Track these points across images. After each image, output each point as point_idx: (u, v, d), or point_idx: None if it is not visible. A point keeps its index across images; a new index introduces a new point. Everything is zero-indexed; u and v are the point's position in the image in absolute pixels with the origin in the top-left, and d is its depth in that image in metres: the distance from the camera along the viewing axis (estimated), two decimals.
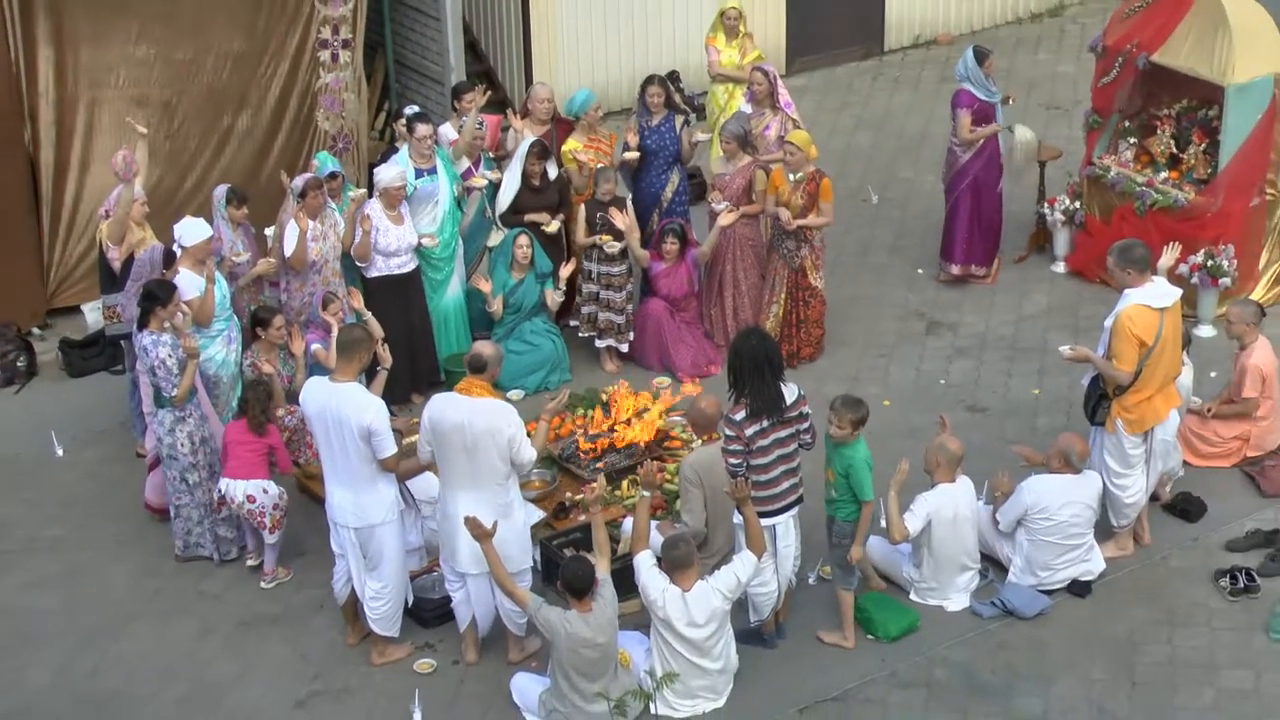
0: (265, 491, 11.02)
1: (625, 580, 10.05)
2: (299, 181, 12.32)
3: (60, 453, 12.66)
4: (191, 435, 11.09)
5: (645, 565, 9.85)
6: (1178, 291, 10.91)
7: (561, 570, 9.73)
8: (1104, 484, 10.95)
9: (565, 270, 13.30)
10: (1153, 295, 10.73)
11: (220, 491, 11.04)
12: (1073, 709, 10.04)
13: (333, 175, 12.66)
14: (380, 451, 9.90)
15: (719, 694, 10.06)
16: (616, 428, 12.07)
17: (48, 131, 13.93)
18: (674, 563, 9.80)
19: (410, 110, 13.37)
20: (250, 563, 11.30)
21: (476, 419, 9.82)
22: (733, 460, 9.98)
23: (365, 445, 9.86)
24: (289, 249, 12.22)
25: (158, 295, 10.96)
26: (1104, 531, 11.15)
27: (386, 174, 12.54)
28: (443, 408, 9.95)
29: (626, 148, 13.59)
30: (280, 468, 11.26)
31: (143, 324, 10.98)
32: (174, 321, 11.00)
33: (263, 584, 11.18)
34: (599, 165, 13.35)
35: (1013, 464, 11.19)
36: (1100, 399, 10.89)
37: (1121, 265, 10.79)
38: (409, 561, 10.64)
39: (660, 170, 13.67)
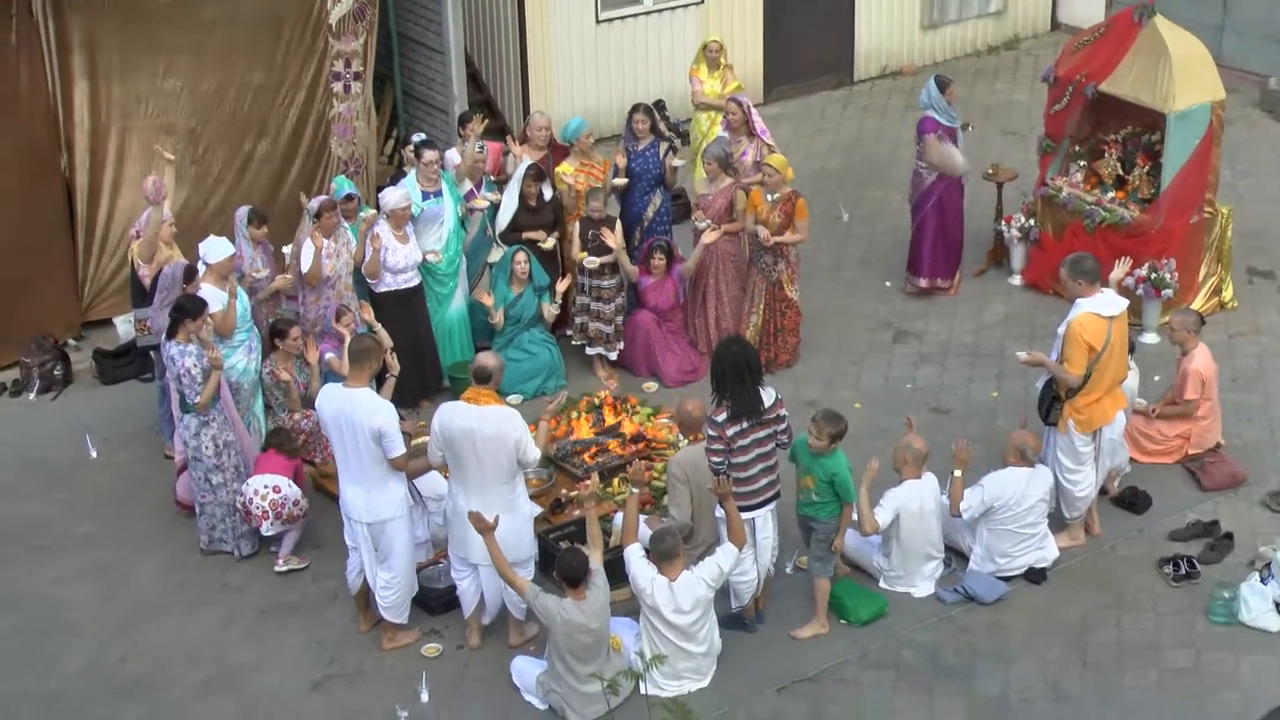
0: (290, 486, 11.02)
1: (616, 570, 10.04)
2: (315, 203, 12.31)
3: (94, 455, 12.63)
4: (215, 439, 11.07)
5: (635, 557, 9.83)
6: (1125, 301, 10.92)
7: (557, 561, 9.72)
8: (1056, 478, 10.96)
9: (562, 285, 13.28)
10: (1102, 304, 10.74)
11: (243, 494, 11.03)
12: (1029, 687, 10.04)
13: (349, 197, 12.66)
14: (390, 451, 9.89)
15: (703, 675, 10.05)
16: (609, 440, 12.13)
17: (82, 158, 13.90)
18: (661, 554, 9.79)
19: (418, 138, 13.35)
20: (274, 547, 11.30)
21: (485, 425, 9.82)
22: (715, 459, 9.97)
23: (377, 446, 9.86)
24: (305, 265, 12.20)
25: (187, 308, 10.95)
26: (1057, 523, 11.15)
27: (392, 196, 12.53)
28: (451, 415, 9.93)
29: (617, 172, 13.59)
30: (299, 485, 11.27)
31: (171, 334, 10.97)
32: (200, 334, 10.98)
33: (276, 568, 11.16)
34: (590, 186, 13.34)
35: (979, 436, 11.18)
36: (1053, 401, 10.90)
37: (1073, 276, 10.81)
38: (416, 554, 10.63)
39: (644, 191, 13.66)
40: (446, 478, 10.84)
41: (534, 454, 9.97)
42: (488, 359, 10.16)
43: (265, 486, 10.98)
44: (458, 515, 10.05)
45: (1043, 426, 11.10)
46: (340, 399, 9.96)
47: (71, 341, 14.01)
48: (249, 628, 10.76)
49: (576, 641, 9.50)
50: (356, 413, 9.83)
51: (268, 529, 11.05)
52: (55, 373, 13.52)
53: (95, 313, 14.21)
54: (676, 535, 9.97)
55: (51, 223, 13.84)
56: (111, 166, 14.00)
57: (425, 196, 12.80)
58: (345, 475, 10.09)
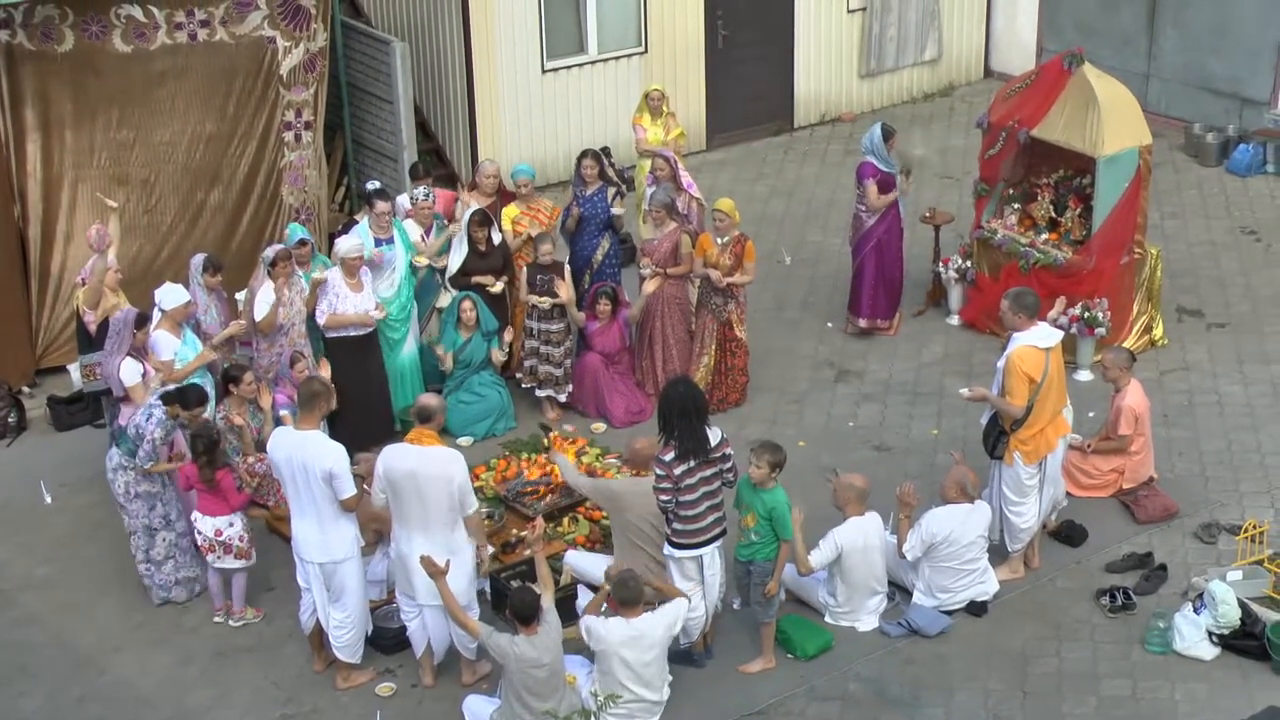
0: (231, 525, 10.90)
1: (566, 609, 10.07)
2: (270, 252, 12.32)
3: (49, 500, 12.55)
4: (129, 485, 10.94)
5: (592, 623, 9.85)
6: (1059, 333, 11.09)
7: (509, 599, 9.73)
8: (1000, 511, 11.06)
9: (508, 336, 13.30)
10: (1038, 337, 10.90)
11: (194, 524, 10.95)
12: (972, 716, 10.11)
13: (302, 243, 12.67)
14: (341, 493, 9.89)
15: (654, 712, 10.03)
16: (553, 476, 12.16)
17: (35, 208, 13.86)
18: (624, 601, 9.80)
19: (371, 186, 13.40)
20: (217, 619, 11.11)
21: (427, 466, 9.82)
22: (663, 497, 10.00)
23: (328, 487, 9.85)
24: (259, 314, 12.20)
25: (188, 400, 10.89)
26: (998, 555, 11.24)
27: (345, 245, 12.53)
28: (394, 456, 9.94)
29: (568, 216, 13.68)
30: (231, 505, 10.91)
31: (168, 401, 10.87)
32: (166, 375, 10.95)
33: (231, 623, 11.09)
34: (539, 232, 13.41)
35: (919, 473, 11.27)
36: (999, 435, 11.01)
37: (1014, 310, 10.97)
38: (372, 591, 10.62)
39: (592, 235, 13.74)
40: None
41: (471, 502, 9.97)
42: (429, 399, 10.19)
43: (210, 531, 10.87)
44: (401, 557, 10.05)
45: (986, 462, 11.22)
46: (291, 442, 9.97)
47: (26, 389, 13.93)
48: (205, 668, 10.70)
49: (531, 677, 9.49)
50: (307, 455, 9.83)
51: (214, 561, 10.96)
52: (9, 419, 13.44)
53: (49, 360, 14.13)
54: (638, 580, 9.93)
55: (4, 271, 13.76)
56: (64, 216, 13.96)
57: (377, 243, 12.83)
58: (298, 516, 10.07)
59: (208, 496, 10.88)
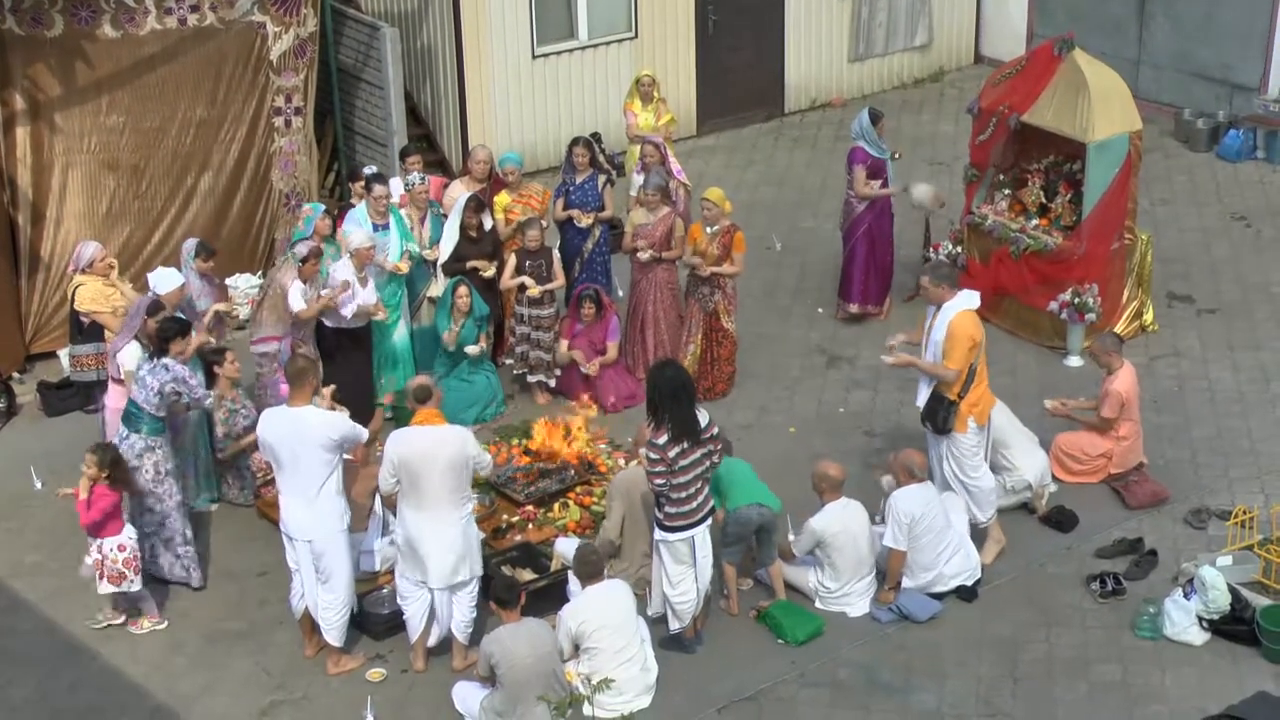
0: (131, 539, 10.72)
1: (556, 595, 10.08)
2: (302, 248, 12.15)
3: (39, 485, 12.49)
4: (158, 465, 10.95)
5: (564, 611, 9.93)
6: (977, 293, 11.26)
7: (491, 586, 9.84)
8: (961, 485, 11.06)
9: (475, 349, 13.19)
10: (966, 301, 11.04)
11: (98, 553, 10.63)
12: (962, 702, 10.11)
13: (326, 212, 12.71)
14: (356, 444, 10.10)
15: (645, 696, 10.03)
16: (541, 454, 12.15)
17: (25, 193, 13.81)
18: (586, 575, 9.90)
19: (369, 171, 13.35)
20: (115, 621, 10.86)
21: (439, 447, 9.89)
22: (658, 481, 9.96)
23: (331, 455, 9.89)
24: (297, 306, 12.05)
25: (173, 332, 11.00)
26: (979, 536, 11.21)
27: (356, 238, 12.41)
28: (408, 439, 9.98)
29: (559, 196, 13.64)
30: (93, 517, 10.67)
31: (162, 353, 10.89)
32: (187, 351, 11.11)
33: (133, 630, 10.85)
34: (526, 216, 13.37)
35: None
36: (949, 406, 10.95)
37: (935, 281, 11.10)
38: (364, 562, 10.70)
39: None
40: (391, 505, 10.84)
41: (486, 462, 10.17)
42: (422, 379, 10.28)
43: (113, 550, 10.64)
44: (410, 540, 10.06)
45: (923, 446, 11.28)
46: (284, 420, 9.99)
47: (16, 375, 13.87)
48: (196, 654, 10.68)
49: (520, 666, 9.45)
50: (308, 430, 9.87)
51: (126, 587, 10.71)
52: None
53: (39, 345, 14.09)
54: (600, 555, 10.04)
55: None
56: (54, 201, 13.91)
57: (374, 229, 12.80)
58: (288, 494, 10.08)
59: (110, 517, 10.58)
